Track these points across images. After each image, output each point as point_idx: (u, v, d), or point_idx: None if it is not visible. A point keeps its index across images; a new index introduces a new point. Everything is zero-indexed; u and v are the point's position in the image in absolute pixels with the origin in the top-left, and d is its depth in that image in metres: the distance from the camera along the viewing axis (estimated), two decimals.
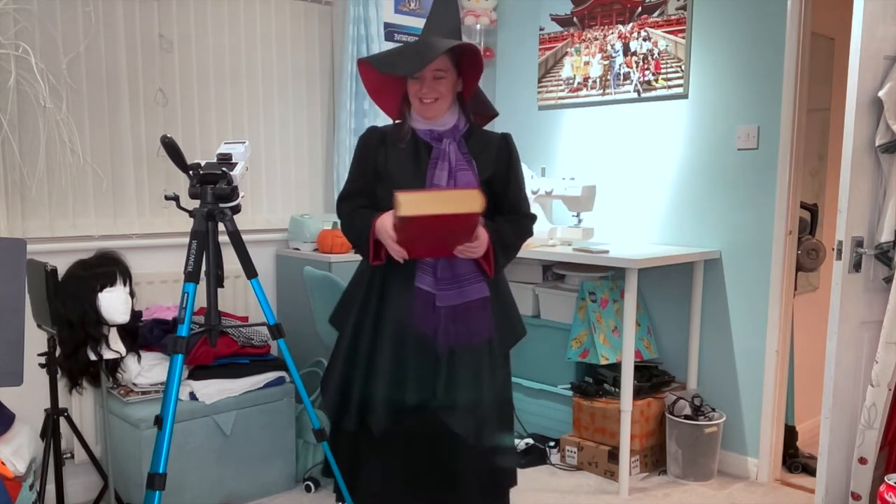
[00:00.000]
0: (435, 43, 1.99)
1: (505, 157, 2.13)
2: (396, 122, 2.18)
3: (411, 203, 1.77)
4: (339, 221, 3.36)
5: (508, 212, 2.15)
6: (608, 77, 3.68)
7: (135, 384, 2.81)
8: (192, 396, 2.85)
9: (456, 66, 2.06)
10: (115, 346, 2.49)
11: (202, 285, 2.18)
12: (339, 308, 2.26)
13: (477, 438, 2.03)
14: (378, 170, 2.15)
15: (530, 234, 2.21)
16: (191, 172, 2.14)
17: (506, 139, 2.17)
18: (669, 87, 3.45)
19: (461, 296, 2.04)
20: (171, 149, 2.06)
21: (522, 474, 3.19)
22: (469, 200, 1.79)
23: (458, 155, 2.06)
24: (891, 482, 2.20)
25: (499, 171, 2.12)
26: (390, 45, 3.78)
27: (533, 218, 2.22)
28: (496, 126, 2.29)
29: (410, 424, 2.05)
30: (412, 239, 1.96)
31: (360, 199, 2.20)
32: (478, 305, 2.05)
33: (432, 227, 1.86)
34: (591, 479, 3.27)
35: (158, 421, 2.09)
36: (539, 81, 3.99)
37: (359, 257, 3.24)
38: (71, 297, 2.37)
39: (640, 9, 3.53)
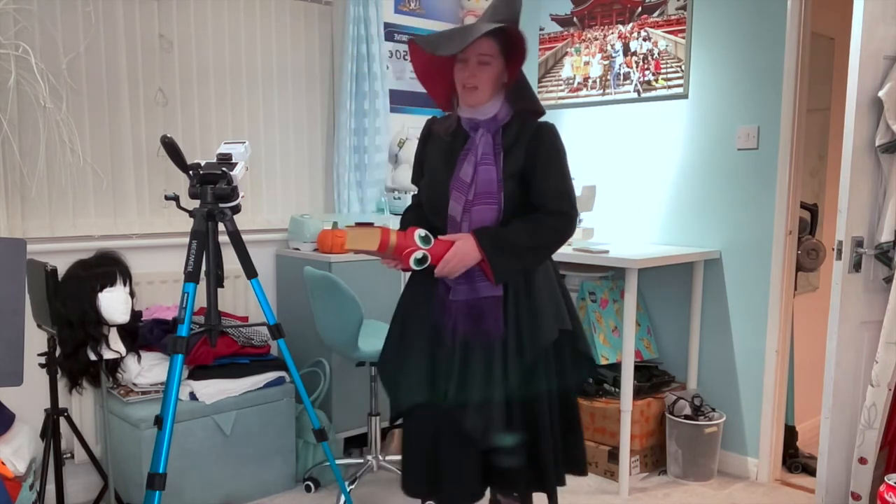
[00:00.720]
0: (480, 25, 1.95)
1: (533, 149, 2.03)
2: (436, 118, 2.17)
3: (349, 238, 1.99)
4: (337, 221, 3.38)
5: (536, 207, 2.05)
6: (608, 77, 3.68)
7: (135, 384, 2.81)
8: (192, 396, 2.86)
9: (504, 55, 2.01)
10: (115, 346, 2.49)
11: (202, 285, 2.19)
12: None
13: (484, 439, 2.02)
14: (423, 161, 2.17)
15: (558, 231, 2.03)
16: (191, 172, 2.15)
17: (540, 130, 2.04)
18: (669, 87, 3.45)
19: (473, 291, 2.03)
20: (171, 149, 2.06)
21: None
22: (368, 239, 1.94)
23: (488, 148, 2.02)
24: (891, 482, 2.20)
25: (528, 164, 2.03)
26: (390, 46, 3.80)
27: (564, 215, 2.03)
28: None
29: (437, 413, 2.05)
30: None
31: (415, 198, 2.28)
32: (489, 304, 2.03)
33: (373, 254, 2.02)
34: (591, 479, 3.27)
35: (158, 421, 2.09)
36: (539, 81, 3.99)
37: (362, 258, 3.26)
38: (71, 297, 2.38)
39: (640, 9, 3.53)
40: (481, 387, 2.01)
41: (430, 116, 2.23)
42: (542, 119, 2.09)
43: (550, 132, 2.05)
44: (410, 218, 2.22)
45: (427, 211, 2.15)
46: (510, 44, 1.99)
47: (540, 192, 2.03)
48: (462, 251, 1.96)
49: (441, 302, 2.07)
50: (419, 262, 1.96)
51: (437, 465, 2.09)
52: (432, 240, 1.98)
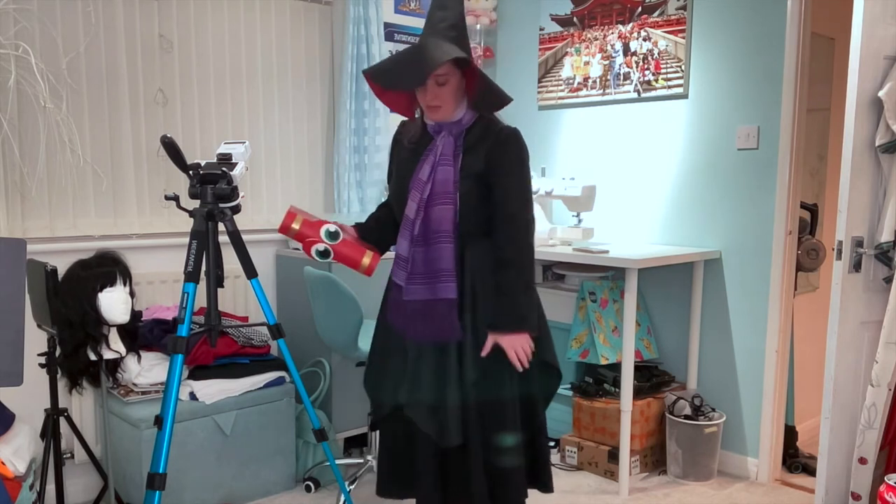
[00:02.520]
0: (429, 53, 1.93)
1: (498, 154, 2.00)
2: (408, 119, 2.18)
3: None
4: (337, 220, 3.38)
5: (495, 211, 2.02)
6: (608, 77, 3.68)
7: (135, 384, 2.81)
8: (192, 396, 2.86)
9: (458, 65, 2.01)
10: (115, 346, 2.50)
11: (202, 285, 2.19)
12: None
13: (441, 438, 2.02)
14: (391, 166, 2.22)
15: (528, 244, 2.01)
16: (191, 172, 2.15)
17: (502, 135, 2.02)
18: (669, 87, 3.45)
19: (430, 292, 2.01)
20: (171, 149, 2.06)
21: None
22: (286, 232, 2.13)
23: (448, 149, 2.02)
24: (891, 482, 2.20)
25: (491, 167, 2.00)
26: (390, 46, 3.79)
27: (521, 219, 2.00)
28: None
29: (402, 417, 2.07)
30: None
31: (387, 203, 2.30)
32: (445, 305, 2.00)
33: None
34: (591, 479, 3.27)
35: (158, 421, 2.09)
36: (539, 81, 3.99)
37: None
38: (71, 297, 2.38)
39: (640, 9, 3.53)
40: (435, 387, 2.01)
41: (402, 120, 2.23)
42: (500, 118, 2.11)
43: (516, 138, 2.04)
44: (376, 214, 2.29)
45: (395, 211, 2.18)
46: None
47: (501, 196, 2.01)
48: (515, 343, 1.99)
49: (395, 303, 2.10)
50: (321, 254, 2.08)
51: (410, 467, 2.12)
52: (341, 236, 2.08)
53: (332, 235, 2.08)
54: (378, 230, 2.23)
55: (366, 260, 2.11)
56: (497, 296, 2.00)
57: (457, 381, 2.02)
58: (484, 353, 1.99)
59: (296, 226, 2.09)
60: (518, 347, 1.99)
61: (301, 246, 2.14)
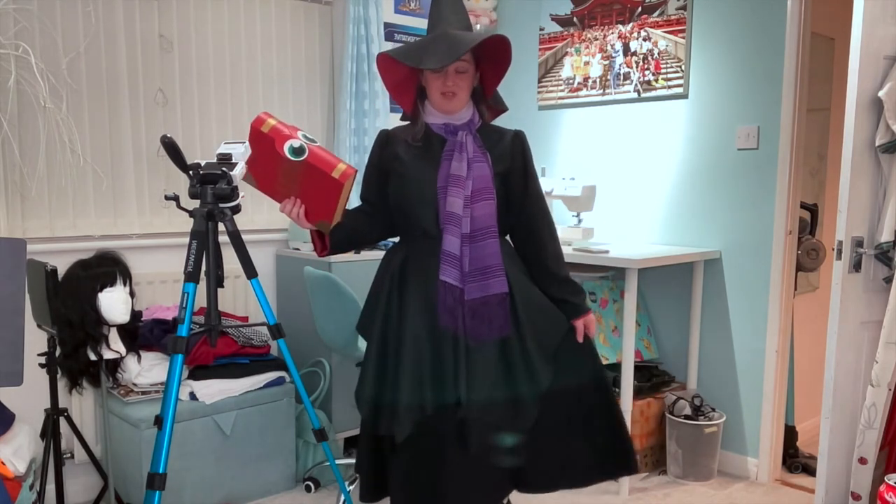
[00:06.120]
0: (461, 36, 1.98)
1: (519, 152, 2.12)
2: (408, 120, 2.15)
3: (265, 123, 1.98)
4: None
5: (532, 207, 2.12)
6: (608, 77, 3.68)
7: (135, 384, 2.81)
8: (192, 396, 2.86)
9: (475, 61, 2.05)
10: (115, 346, 2.50)
11: (202, 285, 2.18)
12: (363, 315, 2.21)
13: (512, 426, 2.01)
14: (386, 169, 2.13)
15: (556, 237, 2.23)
16: (191, 172, 2.14)
17: (519, 136, 2.15)
18: (669, 87, 3.45)
19: (483, 289, 2.02)
20: (171, 149, 2.06)
21: None
22: (260, 126, 1.96)
23: (474, 146, 2.05)
24: (891, 482, 2.20)
25: (515, 166, 2.10)
26: (390, 45, 3.79)
27: (550, 217, 2.21)
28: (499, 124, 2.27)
29: (440, 424, 2.00)
30: (268, 179, 2.08)
31: (363, 206, 2.25)
32: (497, 300, 2.02)
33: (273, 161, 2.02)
34: None
35: (158, 421, 2.09)
36: (539, 81, 3.99)
37: (362, 258, 3.26)
38: (71, 297, 2.38)
39: (640, 9, 3.53)
40: (490, 387, 1.99)
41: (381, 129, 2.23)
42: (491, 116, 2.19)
43: (525, 138, 2.18)
44: (356, 214, 2.21)
45: (402, 212, 2.10)
46: (481, 50, 2.03)
47: (535, 192, 2.16)
48: (591, 320, 2.17)
49: (446, 304, 2.01)
50: (295, 151, 1.97)
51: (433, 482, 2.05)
52: (318, 143, 2.01)
53: (311, 140, 2.00)
54: (355, 218, 2.18)
55: (342, 165, 1.97)
56: (565, 286, 2.16)
57: (508, 378, 2.02)
58: (580, 339, 2.13)
59: (272, 121, 1.98)
60: (594, 323, 2.19)
61: (264, 163, 2.02)
